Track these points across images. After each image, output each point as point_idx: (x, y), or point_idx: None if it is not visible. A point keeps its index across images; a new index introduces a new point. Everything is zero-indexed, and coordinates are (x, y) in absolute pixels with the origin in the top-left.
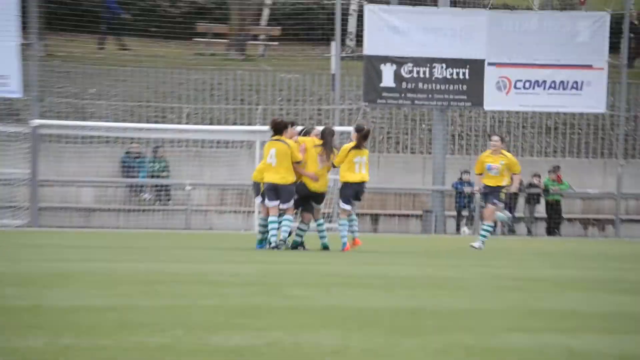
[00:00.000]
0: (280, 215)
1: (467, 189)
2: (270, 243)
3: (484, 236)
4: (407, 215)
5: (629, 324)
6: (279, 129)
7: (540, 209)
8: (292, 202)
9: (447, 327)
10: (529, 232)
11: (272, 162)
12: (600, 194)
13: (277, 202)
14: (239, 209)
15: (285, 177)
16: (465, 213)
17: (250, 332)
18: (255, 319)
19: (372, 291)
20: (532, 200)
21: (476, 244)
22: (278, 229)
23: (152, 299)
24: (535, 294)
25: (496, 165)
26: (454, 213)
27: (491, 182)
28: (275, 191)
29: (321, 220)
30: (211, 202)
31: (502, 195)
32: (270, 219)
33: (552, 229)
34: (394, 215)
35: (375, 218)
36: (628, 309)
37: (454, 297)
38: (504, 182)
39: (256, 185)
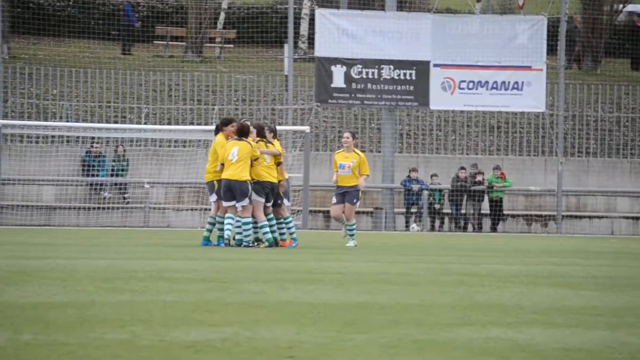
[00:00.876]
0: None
1: (415, 187)
2: (226, 239)
3: (353, 234)
4: (358, 212)
5: (571, 317)
6: (244, 132)
7: (484, 207)
8: (247, 200)
9: (396, 321)
10: (474, 229)
11: (233, 160)
12: (542, 191)
13: (232, 203)
14: (195, 207)
15: (241, 174)
16: (414, 210)
17: (207, 328)
18: (212, 315)
19: (325, 286)
20: (476, 197)
21: (351, 244)
22: (247, 229)
23: (112, 295)
24: (480, 289)
25: (348, 163)
26: (403, 210)
27: (344, 183)
28: (230, 190)
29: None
30: (169, 200)
31: (360, 194)
32: (227, 215)
33: (494, 225)
34: None
35: (327, 215)
36: (570, 302)
37: (403, 292)
38: (356, 181)
39: (211, 185)
